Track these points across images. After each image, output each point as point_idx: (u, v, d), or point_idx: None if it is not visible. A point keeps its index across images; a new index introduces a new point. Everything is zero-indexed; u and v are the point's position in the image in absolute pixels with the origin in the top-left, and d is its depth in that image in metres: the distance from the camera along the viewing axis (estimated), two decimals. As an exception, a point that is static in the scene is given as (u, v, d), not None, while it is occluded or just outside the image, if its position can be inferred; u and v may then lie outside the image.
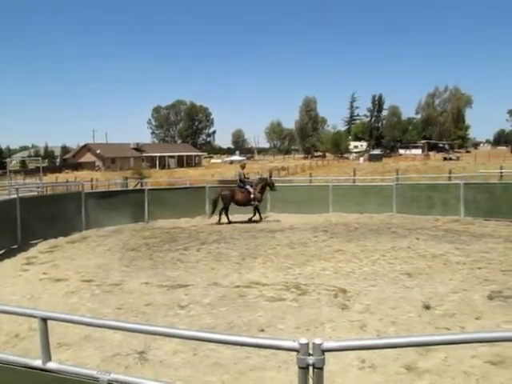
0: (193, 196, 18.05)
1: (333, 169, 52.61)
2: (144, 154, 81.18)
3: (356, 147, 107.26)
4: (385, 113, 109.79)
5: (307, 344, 2.09)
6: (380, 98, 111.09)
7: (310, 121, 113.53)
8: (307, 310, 6.86)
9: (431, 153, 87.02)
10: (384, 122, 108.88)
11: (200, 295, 7.75)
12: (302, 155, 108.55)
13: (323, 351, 2.08)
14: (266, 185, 16.81)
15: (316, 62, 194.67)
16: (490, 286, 7.85)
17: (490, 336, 2.40)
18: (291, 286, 8.15)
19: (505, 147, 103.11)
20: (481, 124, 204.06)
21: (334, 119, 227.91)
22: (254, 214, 16.73)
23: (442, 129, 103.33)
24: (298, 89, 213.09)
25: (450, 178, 20.93)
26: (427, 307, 6.78)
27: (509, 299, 7.11)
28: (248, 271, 9.33)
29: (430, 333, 5.70)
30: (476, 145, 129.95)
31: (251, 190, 16.49)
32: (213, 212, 16.63)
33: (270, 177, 17.53)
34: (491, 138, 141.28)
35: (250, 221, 16.60)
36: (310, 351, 2.10)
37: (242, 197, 16.48)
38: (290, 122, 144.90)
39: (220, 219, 16.47)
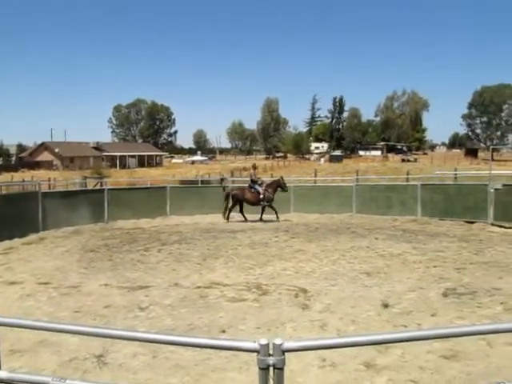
0: (153, 196, 17.87)
1: (294, 169, 53.13)
2: (104, 154, 79.69)
3: (317, 148, 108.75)
4: (345, 115, 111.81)
5: (267, 345, 2.09)
6: (341, 99, 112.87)
7: (272, 121, 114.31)
8: (268, 310, 6.88)
9: (390, 154, 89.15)
10: (344, 123, 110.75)
11: (160, 296, 7.66)
12: (264, 156, 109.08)
13: (283, 351, 2.09)
14: (278, 185, 16.92)
15: (278, 62, 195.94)
16: (444, 283, 8.11)
17: (443, 332, 2.47)
18: (252, 286, 8.16)
19: (459, 150, 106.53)
20: (437, 127, 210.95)
21: (296, 120, 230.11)
22: (262, 212, 16.84)
23: (401, 131, 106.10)
24: (260, 89, 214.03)
25: (407, 180, 21.54)
26: (385, 306, 6.93)
27: (462, 296, 7.37)
28: (209, 272, 9.29)
29: (388, 330, 5.82)
30: (433, 147, 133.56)
31: (260, 190, 16.63)
32: (225, 210, 16.65)
33: (282, 178, 17.60)
34: (447, 141, 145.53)
35: (260, 220, 16.67)
36: (271, 352, 2.10)
37: (252, 196, 16.67)
38: (252, 122, 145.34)
39: (228, 217, 16.61)
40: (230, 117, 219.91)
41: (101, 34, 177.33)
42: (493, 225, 14.57)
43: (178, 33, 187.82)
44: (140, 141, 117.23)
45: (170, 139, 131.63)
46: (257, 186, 16.74)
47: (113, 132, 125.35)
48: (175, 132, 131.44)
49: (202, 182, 23.63)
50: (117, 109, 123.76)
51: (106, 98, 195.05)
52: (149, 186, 20.58)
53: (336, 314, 6.65)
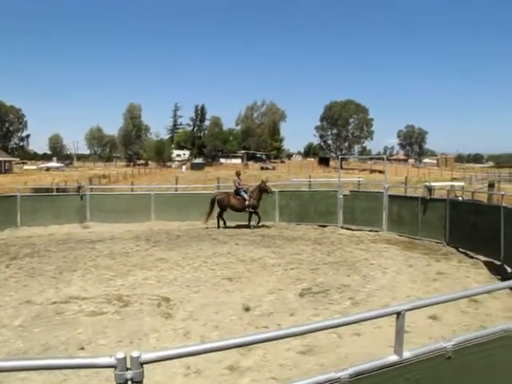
0: (1, 206, 16.26)
1: (155, 177, 52.43)
2: None
3: (179, 156, 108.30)
4: (207, 123, 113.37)
5: (124, 358, 2.01)
6: (202, 108, 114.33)
7: (134, 128, 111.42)
8: (130, 322, 6.68)
9: (250, 162, 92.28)
10: (206, 131, 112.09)
11: (9, 317, 6.98)
12: (125, 163, 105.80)
13: (141, 364, 2.02)
14: (262, 190, 16.48)
15: (141, 67, 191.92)
16: (301, 284, 8.64)
17: (300, 329, 2.60)
18: (113, 298, 7.85)
19: (313, 159, 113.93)
20: (293, 137, 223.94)
21: (158, 127, 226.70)
22: (250, 219, 16.43)
23: (260, 140, 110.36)
24: (124, 95, 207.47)
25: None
26: (247, 309, 7.15)
27: (316, 295, 7.96)
28: (66, 286, 8.72)
29: (250, 333, 6.00)
30: (289, 156, 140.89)
31: (246, 196, 16.25)
32: (209, 215, 16.25)
33: (264, 182, 16.99)
34: (302, 150, 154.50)
35: (248, 227, 16.27)
36: (129, 365, 2.02)
37: (238, 202, 16.31)
38: (114, 128, 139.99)
39: (219, 224, 16.29)
40: (90, 122, 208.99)
41: None
42: (342, 228, 15.88)
43: (32, 35, 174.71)
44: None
45: (21, 144, 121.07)
46: (242, 193, 16.46)
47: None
48: (27, 136, 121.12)
49: (58, 190, 22.11)
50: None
51: None
52: (-5, 195, 18.67)
53: (199, 321, 6.70)
